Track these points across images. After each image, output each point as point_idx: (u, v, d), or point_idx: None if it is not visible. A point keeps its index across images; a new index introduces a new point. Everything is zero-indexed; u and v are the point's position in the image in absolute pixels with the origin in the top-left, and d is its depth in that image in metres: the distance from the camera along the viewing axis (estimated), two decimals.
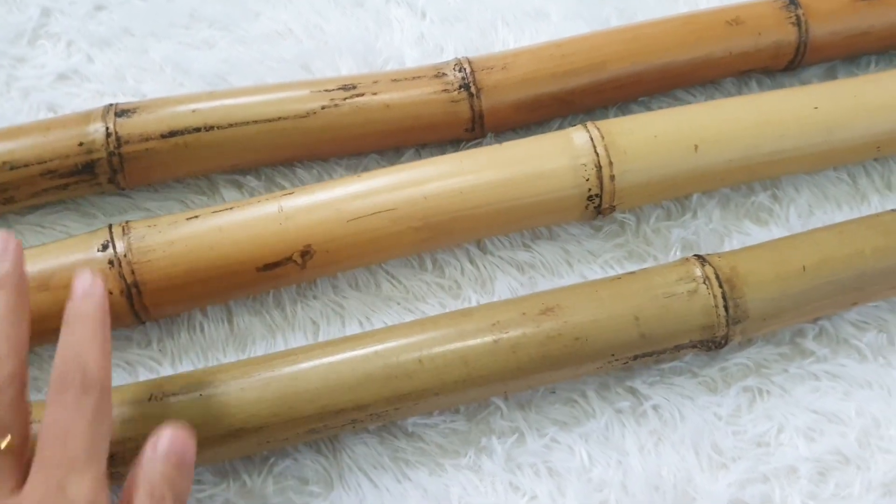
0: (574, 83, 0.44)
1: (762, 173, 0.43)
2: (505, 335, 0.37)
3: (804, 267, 0.39)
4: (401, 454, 0.37)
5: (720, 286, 0.38)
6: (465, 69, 0.43)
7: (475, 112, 0.43)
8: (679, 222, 0.43)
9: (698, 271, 0.39)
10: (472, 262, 0.42)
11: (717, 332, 0.38)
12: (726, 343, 0.39)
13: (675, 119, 0.42)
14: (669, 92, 0.47)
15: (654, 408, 0.38)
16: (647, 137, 0.41)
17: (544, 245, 0.42)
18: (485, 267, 0.42)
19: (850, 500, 0.37)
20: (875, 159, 0.46)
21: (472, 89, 0.42)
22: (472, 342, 0.37)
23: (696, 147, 0.41)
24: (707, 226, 0.43)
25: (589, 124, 0.41)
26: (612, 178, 0.40)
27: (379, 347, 0.37)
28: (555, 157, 0.40)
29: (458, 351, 0.37)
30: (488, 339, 0.37)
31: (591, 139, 0.40)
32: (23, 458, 0.29)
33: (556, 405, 0.39)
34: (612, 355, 0.38)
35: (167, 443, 0.30)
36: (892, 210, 0.43)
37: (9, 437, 0.29)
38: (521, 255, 0.42)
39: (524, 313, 0.38)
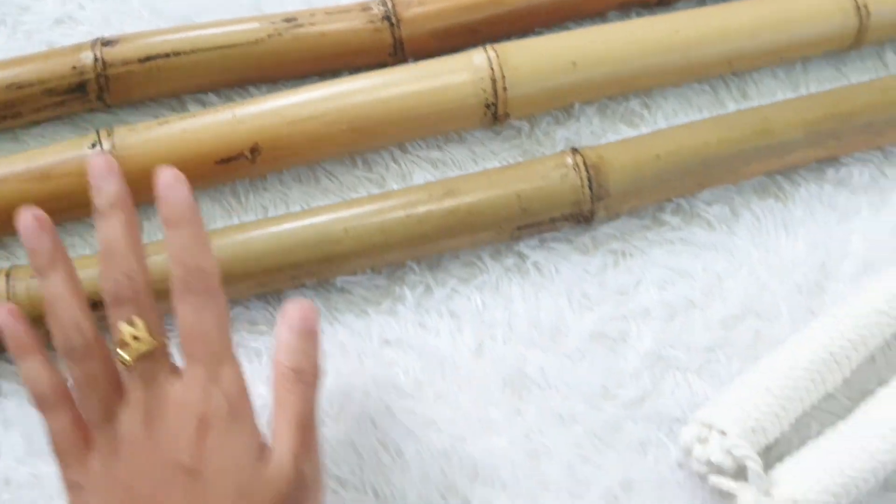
0: (479, 15, 0.53)
1: (633, 86, 0.53)
2: (414, 210, 0.47)
3: (658, 155, 0.49)
4: (333, 303, 0.47)
5: (587, 170, 0.48)
6: (387, 4, 0.52)
7: (396, 39, 0.52)
8: (565, 126, 0.52)
9: (570, 160, 0.48)
10: (395, 160, 0.51)
11: (584, 206, 0.48)
12: (593, 216, 0.48)
13: (557, 42, 0.51)
14: (562, 24, 0.56)
15: (535, 265, 0.48)
16: (533, 56, 0.50)
17: (454, 146, 0.52)
18: (405, 164, 0.51)
19: (694, 334, 0.47)
20: (733, 73, 0.55)
21: (393, 20, 0.52)
22: (388, 216, 0.47)
23: (574, 63, 0.50)
24: (588, 128, 0.52)
25: (487, 47, 0.50)
26: (505, 89, 0.50)
27: (314, 220, 0.46)
28: (458, 73, 0.50)
29: (376, 222, 0.46)
30: (401, 213, 0.47)
31: (489, 59, 0.50)
32: (168, 351, 0.35)
33: (458, 266, 0.48)
34: (500, 225, 0.47)
35: (297, 318, 0.37)
36: (738, 111, 0.52)
37: (165, 340, 0.35)
38: (435, 154, 0.51)
39: (431, 194, 0.47)
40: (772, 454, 0.44)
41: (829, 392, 0.45)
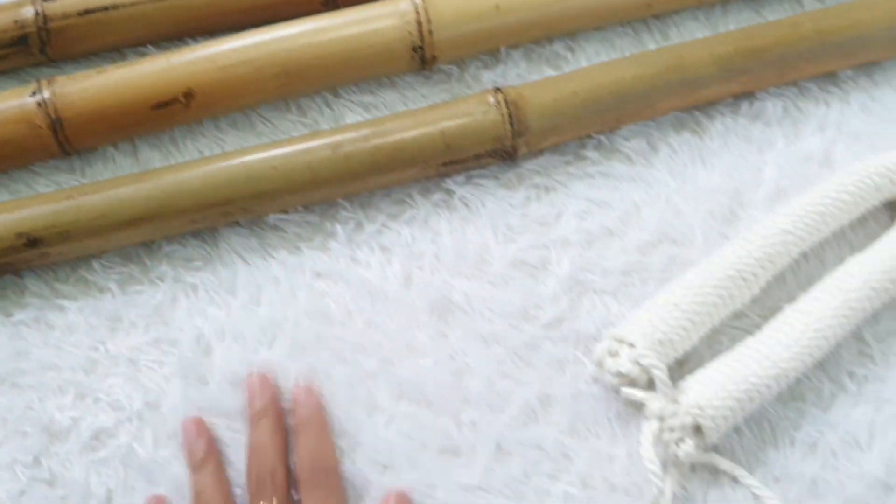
0: None
1: (556, 29, 0.55)
2: (341, 148, 0.49)
3: (575, 91, 0.51)
4: (266, 240, 0.49)
5: (507, 107, 0.50)
6: None
7: None
8: (492, 70, 0.54)
9: (492, 99, 0.50)
10: (328, 105, 0.53)
11: (506, 142, 0.50)
12: (516, 152, 0.50)
13: None
14: None
15: (463, 200, 0.50)
16: (457, 0, 0.53)
17: (386, 91, 0.54)
18: (338, 108, 0.53)
19: (611, 259, 0.49)
20: (654, 17, 0.57)
21: None
22: (315, 154, 0.49)
23: (497, 7, 0.52)
24: (514, 71, 0.54)
25: None
26: (431, 32, 0.52)
27: (245, 158, 0.49)
28: (386, 18, 0.52)
29: (304, 160, 0.49)
30: (328, 152, 0.49)
31: (414, 4, 0.52)
32: None
33: (388, 202, 0.50)
34: (425, 162, 0.49)
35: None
36: (654, 50, 0.54)
37: None
38: (368, 98, 0.53)
39: (357, 133, 0.49)
40: (684, 369, 0.46)
41: (738, 309, 0.47)
